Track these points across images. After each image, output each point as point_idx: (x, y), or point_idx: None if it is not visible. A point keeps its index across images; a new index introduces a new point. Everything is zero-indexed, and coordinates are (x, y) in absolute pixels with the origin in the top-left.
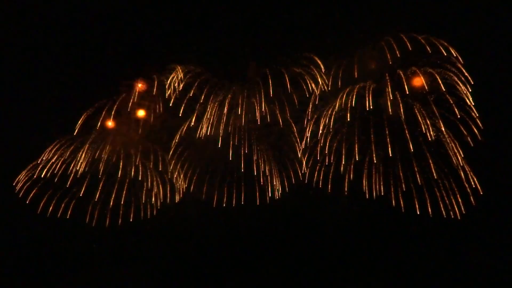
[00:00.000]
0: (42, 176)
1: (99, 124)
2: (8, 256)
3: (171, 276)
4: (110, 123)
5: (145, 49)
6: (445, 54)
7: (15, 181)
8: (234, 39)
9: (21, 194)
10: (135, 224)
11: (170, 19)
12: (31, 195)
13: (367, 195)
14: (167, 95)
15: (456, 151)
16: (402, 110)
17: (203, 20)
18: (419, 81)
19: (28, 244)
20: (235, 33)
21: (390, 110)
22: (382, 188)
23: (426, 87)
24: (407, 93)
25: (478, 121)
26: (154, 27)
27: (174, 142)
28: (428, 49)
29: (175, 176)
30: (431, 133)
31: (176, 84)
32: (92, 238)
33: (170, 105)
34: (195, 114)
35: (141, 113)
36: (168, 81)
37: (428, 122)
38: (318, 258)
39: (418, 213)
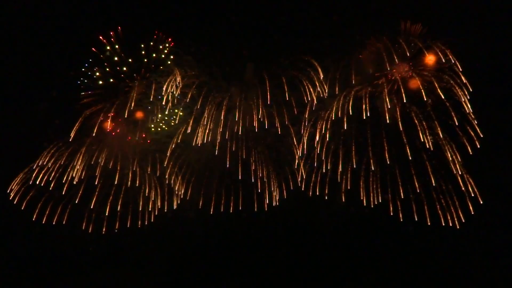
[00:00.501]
0: (37, 182)
1: (96, 128)
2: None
3: (167, 281)
4: (108, 125)
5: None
6: (443, 60)
7: (9, 188)
8: (232, 40)
9: (15, 201)
10: (132, 229)
11: (168, 19)
12: (26, 201)
13: (364, 203)
14: (163, 102)
15: (455, 158)
16: (399, 117)
17: (201, 21)
18: (415, 83)
19: (23, 250)
20: (233, 34)
21: (387, 117)
22: (379, 195)
23: (424, 96)
24: (404, 101)
25: (477, 129)
26: (153, 28)
27: (170, 147)
28: (425, 53)
29: (173, 179)
30: (429, 139)
31: (174, 88)
32: (89, 243)
33: (168, 109)
34: (191, 120)
35: (139, 114)
36: (165, 85)
37: (426, 129)
38: (314, 262)
39: (416, 219)
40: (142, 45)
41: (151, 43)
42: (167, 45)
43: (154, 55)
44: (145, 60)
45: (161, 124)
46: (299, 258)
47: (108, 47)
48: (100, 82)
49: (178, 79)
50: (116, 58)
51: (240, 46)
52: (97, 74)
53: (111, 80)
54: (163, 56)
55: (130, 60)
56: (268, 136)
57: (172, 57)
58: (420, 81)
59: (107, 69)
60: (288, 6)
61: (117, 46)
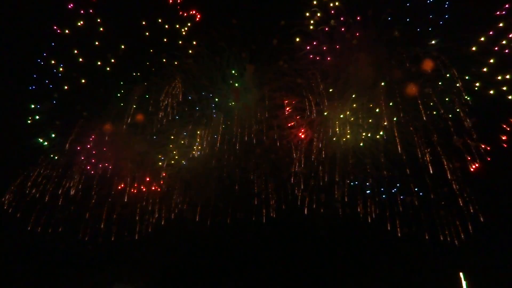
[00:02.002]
0: (34, 191)
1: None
2: None
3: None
4: (107, 129)
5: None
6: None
7: (4, 198)
8: (231, 42)
9: (10, 210)
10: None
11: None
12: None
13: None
14: (161, 115)
15: (454, 174)
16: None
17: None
18: (412, 90)
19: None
20: (233, 36)
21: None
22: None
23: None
24: (401, 116)
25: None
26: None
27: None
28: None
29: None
30: (427, 158)
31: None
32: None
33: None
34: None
35: (139, 117)
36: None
37: (426, 149)
38: (309, 269)
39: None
40: (144, 22)
41: (159, 19)
42: (189, 24)
43: (165, 39)
44: (151, 50)
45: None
46: (294, 264)
47: (81, 23)
48: (66, 87)
49: (178, 86)
50: (96, 43)
51: (240, 48)
52: (60, 70)
53: (83, 81)
54: (180, 42)
55: (122, 47)
56: (266, 139)
57: (194, 43)
58: (417, 90)
59: (80, 61)
60: (288, 10)
61: (98, 21)
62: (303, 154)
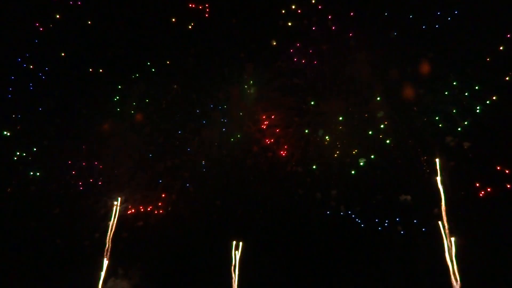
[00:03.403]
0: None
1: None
2: None
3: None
4: (106, 127)
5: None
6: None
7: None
8: (231, 42)
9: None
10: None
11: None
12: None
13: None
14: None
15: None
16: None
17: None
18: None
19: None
20: (232, 36)
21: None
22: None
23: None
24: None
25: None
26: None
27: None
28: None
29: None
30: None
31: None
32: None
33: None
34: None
35: (139, 116)
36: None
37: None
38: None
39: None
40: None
41: (165, 10)
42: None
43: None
44: (155, 47)
45: None
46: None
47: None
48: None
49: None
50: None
51: (238, 48)
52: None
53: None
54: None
55: (121, 50)
56: (265, 137)
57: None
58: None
59: (63, 55)
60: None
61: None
62: (301, 154)
